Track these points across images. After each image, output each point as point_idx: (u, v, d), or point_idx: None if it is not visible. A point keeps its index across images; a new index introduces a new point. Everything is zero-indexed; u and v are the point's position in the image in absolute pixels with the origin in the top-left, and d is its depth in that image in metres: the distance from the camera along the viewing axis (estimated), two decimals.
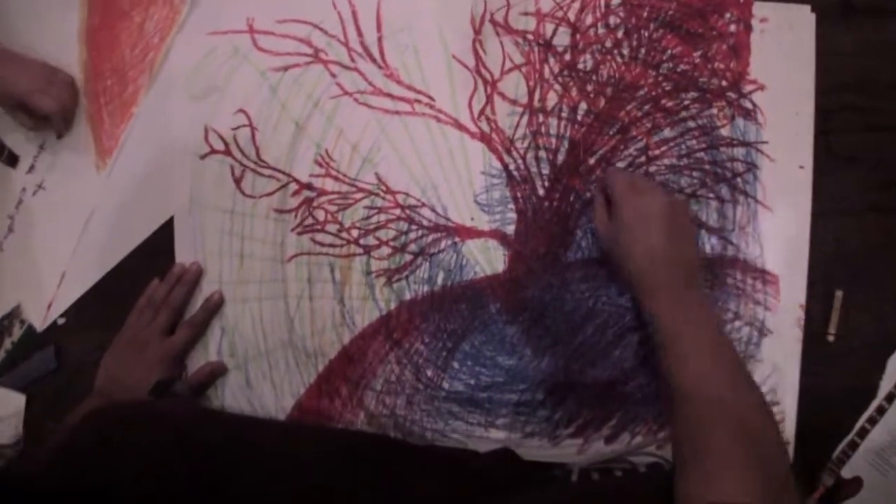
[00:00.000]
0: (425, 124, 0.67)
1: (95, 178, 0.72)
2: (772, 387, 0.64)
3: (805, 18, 0.65)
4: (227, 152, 0.69)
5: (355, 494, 0.51)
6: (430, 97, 0.67)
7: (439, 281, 0.67)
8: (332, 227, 0.68)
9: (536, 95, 0.66)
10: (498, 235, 0.67)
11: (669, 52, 0.65)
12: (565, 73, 0.66)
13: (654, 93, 0.65)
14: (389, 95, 0.67)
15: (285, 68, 0.68)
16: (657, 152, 0.65)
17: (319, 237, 0.68)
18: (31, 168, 0.74)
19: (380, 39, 0.67)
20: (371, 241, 0.68)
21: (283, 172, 0.68)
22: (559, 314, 0.66)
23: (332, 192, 0.68)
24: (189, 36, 0.70)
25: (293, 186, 0.68)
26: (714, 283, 0.64)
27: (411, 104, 0.67)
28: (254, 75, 0.69)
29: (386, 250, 0.68)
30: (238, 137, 0.69)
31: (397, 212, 0.67)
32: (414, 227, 0.67)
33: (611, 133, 0.66)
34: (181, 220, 0.70)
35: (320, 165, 0.68)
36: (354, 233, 0.68)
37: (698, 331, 0.52)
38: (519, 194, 0.67)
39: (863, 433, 0.65)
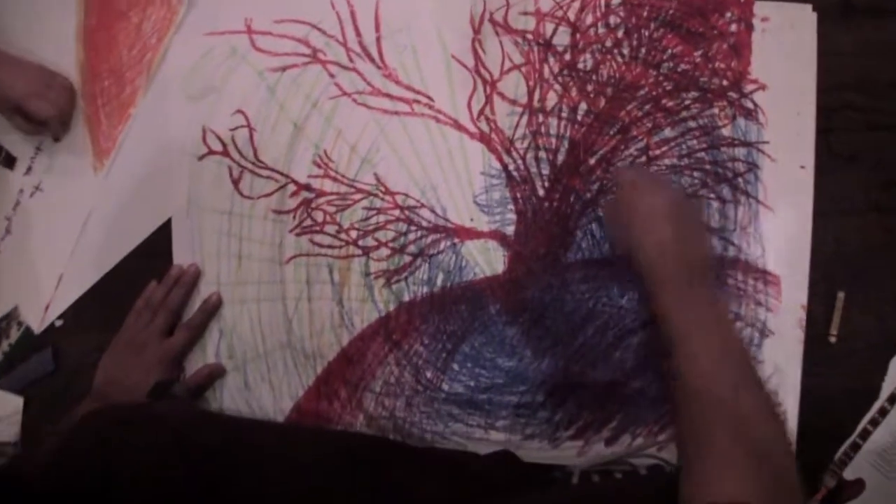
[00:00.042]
0: (424, 125, 0.67)
1: (93, 179, 0.72)
2: (773, 388, 0.63)
3: (806, 18, 0.65)
4: (225, 153, 0.69)
5: (354, 497, 0.51)
6: (429, 97, 0.67)
7: (439, 282, 0.67)
8: (330, 228, 0.68)
9: (536, 95, 0.66)
10: (498, 236, 0.67)
11: (670, 51, 0.65)
12: (565, 72, 0.66)
13: (654, 92, 0.65)
14: (388, 96, 0.67)
15: (283, 69, 0.68)
16: (658, 152, 0.65)
17: (318, 238, 0.68)
18: (29, 170, 0.74)
19: (378, 39, 0.67)
20: (370, 242, 0.67)
21: (282, 173, 0.68)
22: (559, 315, 0.66)
23: (331, 193, 0.68)
24: (186, 36, 0.70)
25: (291, 187, 0.68)
26: (715, 284, 0.64)
27: (410, 104, 0.67)
28: (252, 76, 0.68)
29: (385, 251, 0.67)
30: (236, 138, 0.69)
31: (396, 213, 0.67)
32: (413, 227, 0.67)
33: (611, 133, 0.66)
34: (179, 221, 0.70)
35: (319, 166, 0.68)
36: (353, 234, 0.68)
37: (708, 330, 0.52)
38: (519, 195, 0.66)
39: (865, 434, 0.65)
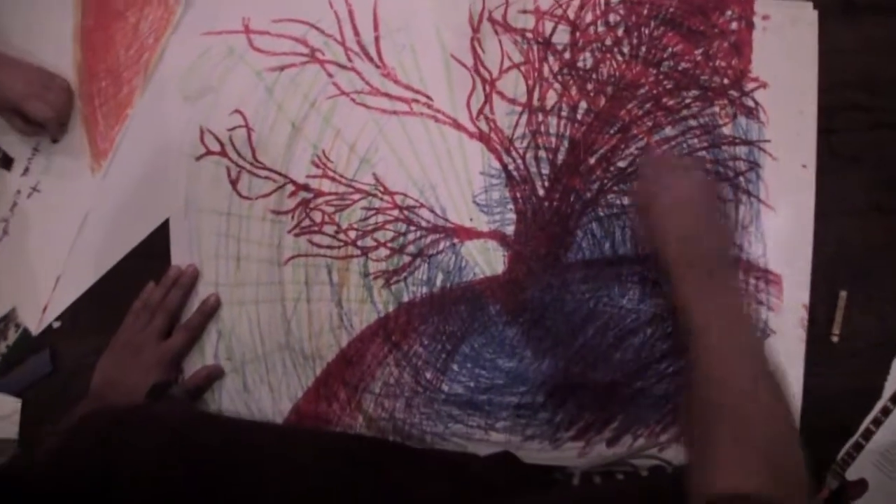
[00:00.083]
0: (423, 124, 0.66)
1: (90, 180, 0.72)
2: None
3: (807, 15, 0.64)
4: (223, 153, 0.69)
5: (354, 498, 0.51)
6: (427, 97, 0.66)
7: (438, 282, 0.67)
8: (329, 229, 0.67)
9: (536, 94, 0.66)
10: (497, 236, 0.66)
11: (670, 49, 0.65)
12: (565, 71, 0.65)
13: (654, 91, 0.65)
14: (387, 95, 0.67)
15: (281, 68, 0.68)
16: (659, 151, 0.65)
17: (317, 239, 0.67)
18: (26, 170, 0.73)
19: (377, 39, 0.67)
20: (369, 242, 0.67)
21: (280, 173, 0.68)
22: (559, 316, 0.65)
23: (330, 193, 0.67)
24: (184, 36, 0.70)
25: (290, 188, 0.68)
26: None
27: (409, 104, 0.67)
28: (249, 75, 0.68)
29: (384, 252, 0.67)
30: (234, 138, 0.68)
31: (395, 213, 0.67)
32: (412, 228, 0.67)
33: (611, 132, 0.65)
34: (177, 222, 0.69)
35: (317, 166, 0.67)
36: (352, 234, 0.67)
37: (728, 321, 0.51)
38: (518, 194, 0.66)
39: (867, 435, 0.65)
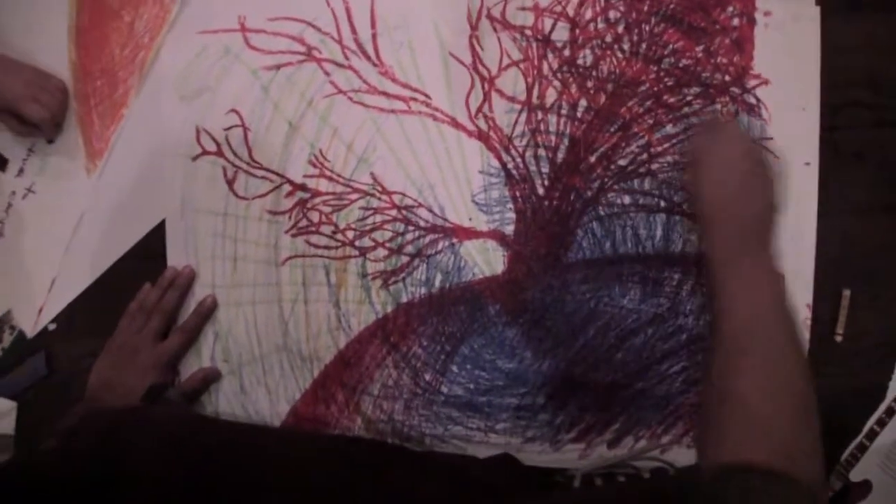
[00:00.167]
0: (421, 123, 0.66)
1: (86, 181, 0.71)
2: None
3: (810, 12, 0.64)
4: (220, 153, 0.68)
5: (353, 501, 0.50)
6: (426, 95, 0.66)
7: (437, 283, 0.66)
8: (326, 229, 0.67)
9: (535, 92, 0.65)
10: (497, 236, 0.66)
11: (671, 46, 0.64)
12: (564, 69, 0.65)
13: (655, 88, 0.64)
14: (385, 94, 0.66)
15: (278, 67, 0.67)
16: (660, 149, 0.64)
17: (314, 239, 0.67)
18: (21, 171, 0.73)
19: (374, 36, 0.66)
20: (367, 242, 0.66)
21: (277, 173, 0.67)
22: (560, 316, 0.65)
23: (327, 193, 0.67)
24: (179, 35, 0.69)
25: (287, 187, 0.67)
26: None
27: (407, 102, 0.66)
28: (246, 74, 0.67)
29: (382, 252, 0.66)
30: (230, 138, 0.68)
31: (393, 212, 0.66)
32: (411, 227, 0.66)
33: (612, 130, 0.65)
34: (173, 222, 0.69)
35: (314, 166, 0.67)
36: (350, 234, 0.67)
37: (750, 288, 0.50)
38: (518, 194, 0.65)
39: (872, 435, 0.64)
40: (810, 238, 0.63)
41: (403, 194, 0.66)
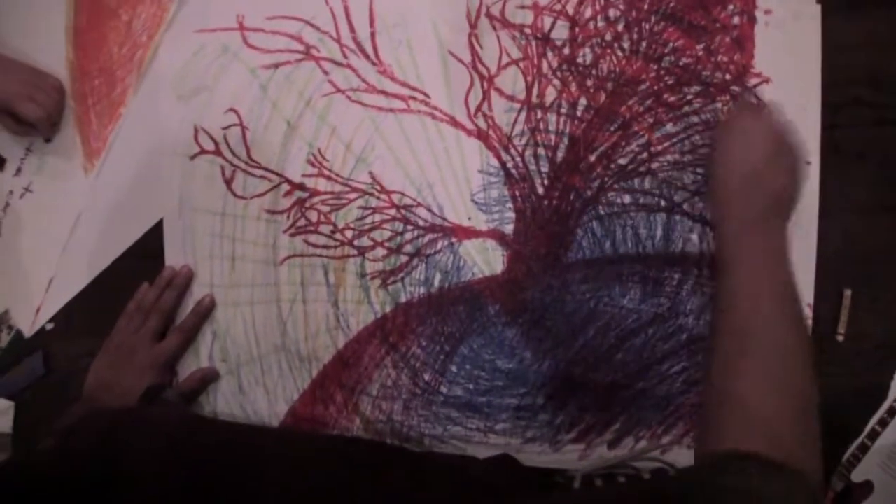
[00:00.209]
0: (420, 122, 0.65)
1: (83, 180, 0.71)
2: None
3: (810, 10, 0.63)
4: (218, 152, 0.68)
5: (352, 501, 0.50)
6: (425, 94, 0.66)
7: (436, 283, 0.66)
8: (325, 229, 0.66)
9: (535, 91, 0.65)
10: (496, 235, 0.65)
11: (671, 45, 0.64)
12: (564, 67, 0.64)
13: (655, 87, 0.64)
14: (383, 93, 0.66)
15: (276, 66, 0.67)
16: (660, 148, 0.64)
17: (312, 239, 0.67)
18: (18, 171, 0.73)
19: (373, 35, 0.66)
20: (365, 242, 0.66)
21: (275, 172, 0.67)
22: (560, 316, 0.64)
23: (325, 193, 0.66)
24: (177, 34, 0.69)
25: (285, 187, 0.67)
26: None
27: (406, 101, 0.66)
28: (244, 73, 0.67)
29: (381, 251, 0.66)
30: (228, 137, 0.68)
31: (392, 212, 0.66)
32: (409, 227, 0.66)
33: (612, 129, 0.64)
34: (171, 222, 0.68)
35: (313, 165, 0.66)
36: (348, 234, 0.66)
37: (756, 269, 0.50)
38: (517, 193, 0.65)
39: (873, 436, 0.64)
40: (811, 237, 0.63)
41: (402, 193, 0.66)
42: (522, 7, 0.65)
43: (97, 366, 0.66)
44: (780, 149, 0.54)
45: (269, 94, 0.67)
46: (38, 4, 0.73)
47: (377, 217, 0.66)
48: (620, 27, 0.64)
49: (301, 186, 0.67)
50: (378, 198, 0.66)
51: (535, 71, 0.65)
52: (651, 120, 0.64)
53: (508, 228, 0.65)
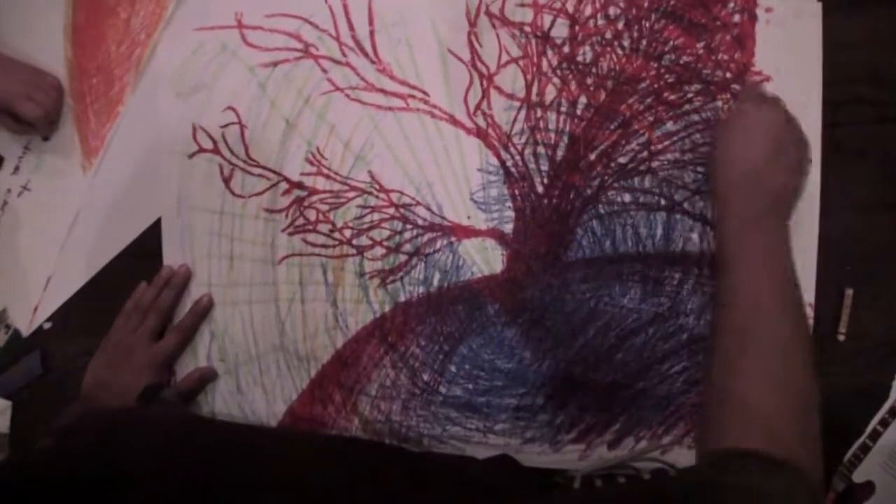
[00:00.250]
0: (419, 120, 0.65)
1: (81, 178, 0.71)
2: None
3: (811, 7, 0.63)
4: (216, 151, 0.67)
5: (351, 501, 0.50)
6: (424, 92, 0.65)
7: (435, 282, 0.65)
8: (323, 227, 0.66)
9: (534, 89, 0.64)
10: (496, 234, 0.65)
11: (671, 43, 0.63)
12: (564, 66, 0.64)
13: (656, 85, 0.63)
14: (382, 91, 0.65)
15: (275, 64, 0.67)
16: (660, 147, 0.64)
17: (311, 238, 0.66)
18: (16, 169, 0.73)
19: (372, 33, 0.66)
20: (364, 241, 0.66)
21: (274, 171, 0.67)
22: (559, 316, 0.64)
23: (324, 191, 0.66)
24: (176, 32, 0.69)
25: (283, 185, 0.67)
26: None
27: (405, 100, 0.65)
28: (242, 71, 0.67)
29: (380, 251, 0.66)
30: (227, 135, 0.67)
31: (391, 211, 0.66)
32: (408, 226, 0.66)
33: (612, 127, 0.64)
34: (169, 221, 0.68)
35: (311, 163, 0.66)
36: (347, 233, 0.66)
37: (756, 265, 0.50)
38: (517, 192, 0.65)
39: (875, 436, 0.64)
40: (812, 236, 0.62)
41: (401, 192, 0.66)
42: (522, 5, 0.64)
43: (95, 365, 0.66)
44: (780, 147, 0.54)
45: (267, 93, 0.67)
46: (38, 3, 0.72)
47: (376, 216, 0.66)
48: (620, 25, 0.64)
49: (300, 185, 0.66)
50: (377, 196, 0.66)
51: (534, 69, 0.64)
52: (651, 118, 0.64)
53: (508, 227, 0.65)
